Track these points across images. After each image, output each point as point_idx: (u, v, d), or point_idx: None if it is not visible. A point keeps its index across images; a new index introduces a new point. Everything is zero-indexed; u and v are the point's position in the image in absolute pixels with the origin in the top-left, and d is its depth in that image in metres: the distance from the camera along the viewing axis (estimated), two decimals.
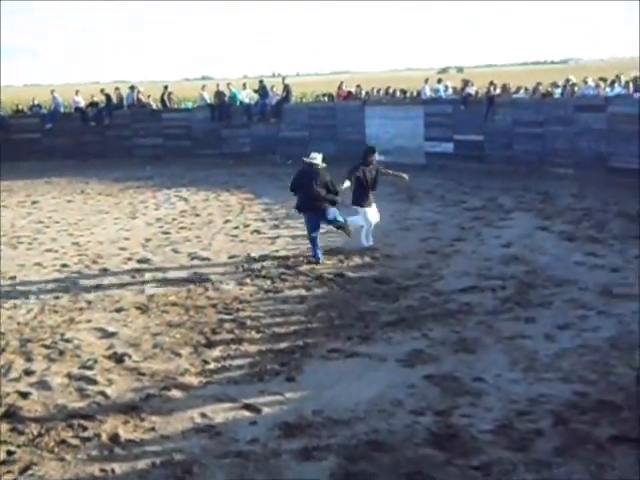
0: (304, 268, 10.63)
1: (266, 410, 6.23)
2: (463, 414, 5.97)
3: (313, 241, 11.07)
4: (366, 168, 11.42)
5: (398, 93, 24.88)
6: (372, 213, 11.55)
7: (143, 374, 7.09)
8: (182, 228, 14.10)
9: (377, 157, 11.85)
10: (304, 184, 11.03)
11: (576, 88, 20.92)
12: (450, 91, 23.24)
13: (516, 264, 10.43)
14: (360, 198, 11.48)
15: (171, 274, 10.67)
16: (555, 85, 21.54)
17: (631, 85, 18.97)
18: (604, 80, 20.25)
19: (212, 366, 7.25)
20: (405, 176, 12.05)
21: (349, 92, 24.95)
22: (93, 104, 26.40)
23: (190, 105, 26.17)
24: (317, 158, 11.09)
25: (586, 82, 20.72)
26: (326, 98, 26.40)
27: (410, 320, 8.29)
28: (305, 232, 12.10)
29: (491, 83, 21.99)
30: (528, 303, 8.73)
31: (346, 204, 11.69)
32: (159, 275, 10.66)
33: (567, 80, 21.42)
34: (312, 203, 10.99)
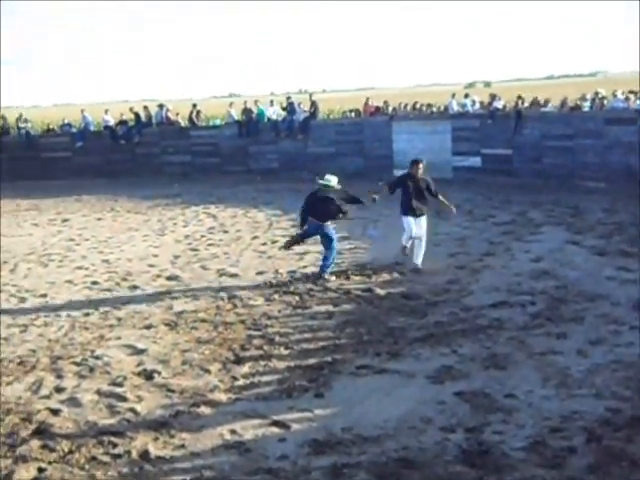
0: (332, 284, 10.61)
1: (295, 427, 6.20)
2: (494, 431, 5.90)
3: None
4: (411, 179, 11.34)
5: (425, 108, 24.88)
6: (414, 224, 11.30)
7: (172, 391, 7.10)
8: (210, 245, 14.16)
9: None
10: (317, 207, 11.00)
11: (605, 101, 20.78)
12: (477, 105, 23.18)
13: (546, 279, 10.33)
14: (403, 207, 11.37)
15: (200, 290, 10.70)
16: (584, 98, 21.41)
17: None
18: (634, 93, 20.08)
19: (241, 382, 7.25)
20: (453, 209, 11.80)
21: (376, 107, 24.98)
22: (122, 122, 26.74)
23: (218, 122, 26.33)
24: (332, 180, 11.07)
25: (615, 95, 20.57)
26: (353, 114, 26.44)
27: (439, 336, 8.23)
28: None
29: (519, 97, 21.91)
30: (559, 318, 8.63)
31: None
32: (188, 292, 10.70)
33: (596, 93, 21.29)
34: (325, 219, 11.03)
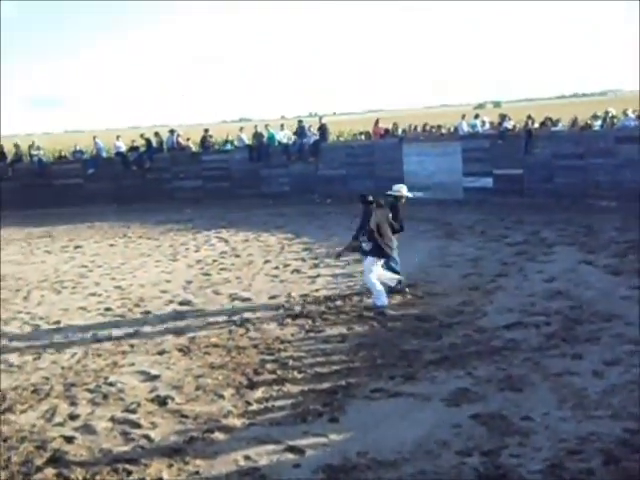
0: (345, 307, 10.57)
1: (310, 452, 6.16)
2: (511, 454, 5.84)
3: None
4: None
5: (435, 129, 24.93)
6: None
7: (186, 417, 7.07)
8: (222, 269, 14.16)
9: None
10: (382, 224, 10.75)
11: (616, 120, 20.77)
12: (487, 126, 23.21)
13: (561, 299, 10.27)
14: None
15: (212, 315, 10.69)
16: (595, 117, 21.41)
17: None
18: None
19: (255, 407, 7.21)
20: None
21: (386, 130, 25.03)
22: (134, 148, 26.88)
23: (229, 147, 26.41)
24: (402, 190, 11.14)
25: (626, 114, 20.55)
26: (363, 136, 26.52)
27: (454, 358, 8.17)
28: (344, 271, 12.15)
29: (529, 117, 21.93)
30: (574, 339, 8.56)
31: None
32: (200, 317, 10.69)
33: (606, 112, 21.28)
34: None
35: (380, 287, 10.49)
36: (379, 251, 10.58)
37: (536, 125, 21.77)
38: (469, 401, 6.99)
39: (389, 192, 11.17)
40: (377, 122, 25.62)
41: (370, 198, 10.86)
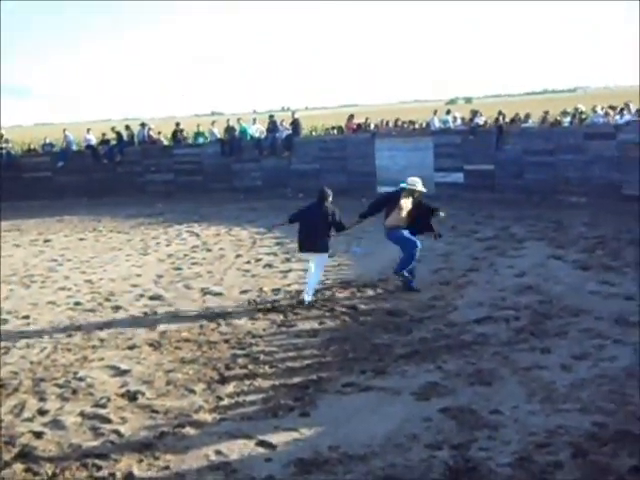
0: (316, 301, 10.57)
1: (281, 446, 6.16)
2: (481, 447, 5.89)
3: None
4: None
5: (407, 125, 25.00)
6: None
7: (157, 412, 7.04)
8: (194, 264, 14.11)
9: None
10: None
11: (584, 116, 20.96)
12: (459, 122, 23.31)
13: (530, 294, 10.36)
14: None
15: (183, 310, 10.65)
16: (564, 114, 21.59)
17: None
18: (613, 108, 20.28)
19: (226, 402, 7.20)
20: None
21: (358, 125, 25.05)
22: (104, 141, 26.67)
23: (202, 141, 26.21)
24: (417, 184, 11.05)
25: (595, 110, 20.75)
26: (335, 131, 26.51)
27: (424, 352, 8.22)
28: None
29: (500, 113, 22.06)
30: (543, 333, 8.64)
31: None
32: (171, 311, 10.64)
33: (576, 109, 21.46)
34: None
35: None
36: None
37: (507, 120, 21.89)
38: (439, 395, 7.03)
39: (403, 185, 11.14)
40: (351, 117, 25.63)
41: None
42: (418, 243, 10.90)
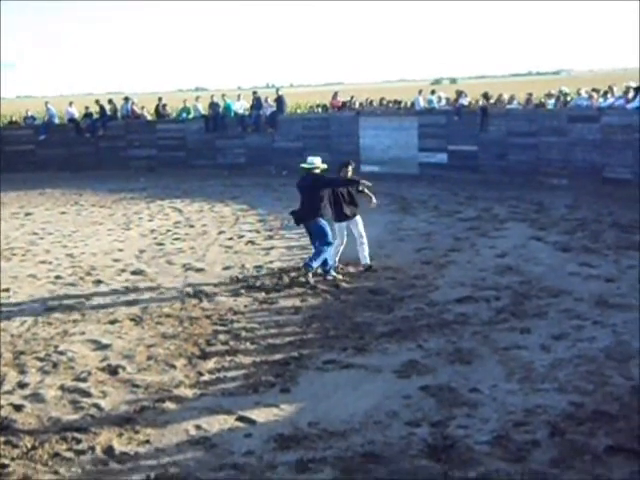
0: (299, 279, 10.58)
1: (261, 422, 6.19)
2: (459, 425, 5.94)
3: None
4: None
5: (392, 104, 24.94)
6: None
7: (137, 386, 7.05)
8: (176, 239, 14.07)
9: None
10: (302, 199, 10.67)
11: (568, 98, 20.99)
12: (444, 102, 23.28)
13: (511, 274, 10.42)
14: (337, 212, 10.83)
15: (165, 285, 10.63)
16: (549, 96, 21.61)
17: (631, 93, 18.76)
18: (597, 91, 20.32)
19: (207, 378, 7.21)
20: None
21: (343, 103, 24.98)
22: (87, 115, 26.42)
23: (185, 115, 26.00)
24: (315, 161, 10.71)
25: (579, 93, 20.78)
26: (320, 109, 26.42)
27: (405, 331, 8.26)
28: (299, 243, 12.17)
29: (485, 95, 22.04)
30: (523, 314, 8.71)
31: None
32: (153, 286, 10.62)
33: (560, 91, 21.48)
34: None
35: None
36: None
37: (491, 101, 21.88)
38: (419, 373, 7.08)
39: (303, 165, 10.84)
40: (335, 95, 25.55)
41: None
42: (331, 242, 10.48)
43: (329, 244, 10.43)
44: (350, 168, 10.86)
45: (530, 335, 7.98)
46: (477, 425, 5.93)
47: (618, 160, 17.28)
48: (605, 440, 5.57)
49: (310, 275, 10.32)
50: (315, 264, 10.37)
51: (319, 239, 10.40)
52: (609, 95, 19.72)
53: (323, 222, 10.44)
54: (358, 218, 10.90)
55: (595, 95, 19.92)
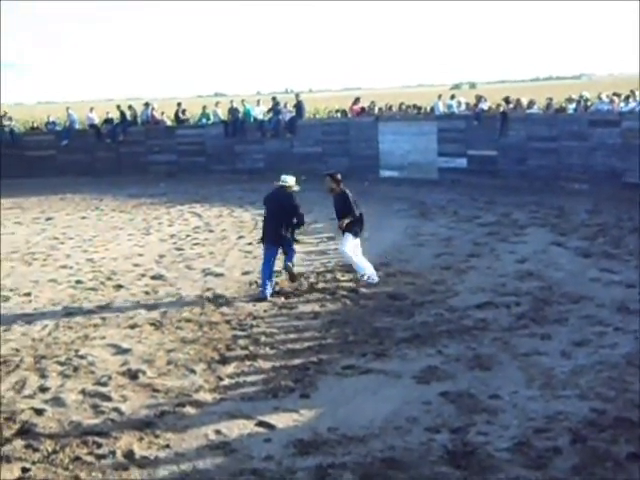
0: (318, 284, 10.59)
1: (280, 427, 6.20)
2: (479, 432, 5.91)
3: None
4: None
5: (411, 109, 24.90)
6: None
7: (157, 390, 7.07)
8: (196, 244, 14.12)
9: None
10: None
11: (589, 103, 20.88)
12: (463, 107, 23.22)
13: (531, 280, 10.36)
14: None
15: (185, 290, 10.67)
16: (569, 100, 21.51)
17: None
18: (618, 95, 20.20)
19: (226, 382, 7.23)
20: None
21: (362, 108, 24.96)
22: (108, 121, 26.59)
23: (204, 121, 26.11)
24: (288, 180, 10.47)
25: (600, 98, 20.66)
26: (339, 114, 26.43)
27: (425, 336, 8.24)
28: (317, 248, 12.16)
29: (506, 99, 21.97)
30: (544, 319, 8.66)
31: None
32: (173, 291, 10.66)
33: (581, 96, 21.38)
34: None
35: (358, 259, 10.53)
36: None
37: (511, 106, 21.80)
38: (439, 379, 7.06)
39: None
40: (357, 100, 25.46)
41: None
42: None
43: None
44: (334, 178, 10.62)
45: (551, 341, 7.94)
46: (497, 432, 5.90)
47: (638, 165, 17.13)
48: (627, 447, 5.53)
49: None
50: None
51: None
52: (630, 99, 19.61)
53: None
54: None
55: (616, 100, 19.80)
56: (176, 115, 26.26)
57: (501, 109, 21.34)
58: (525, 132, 20.04)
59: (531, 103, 21.83)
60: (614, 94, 20.40)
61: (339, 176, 10.66)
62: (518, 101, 21.97)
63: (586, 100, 21.04)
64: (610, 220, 14.32)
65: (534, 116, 20.75)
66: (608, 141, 18.17)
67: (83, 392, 7.10)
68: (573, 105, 21.02)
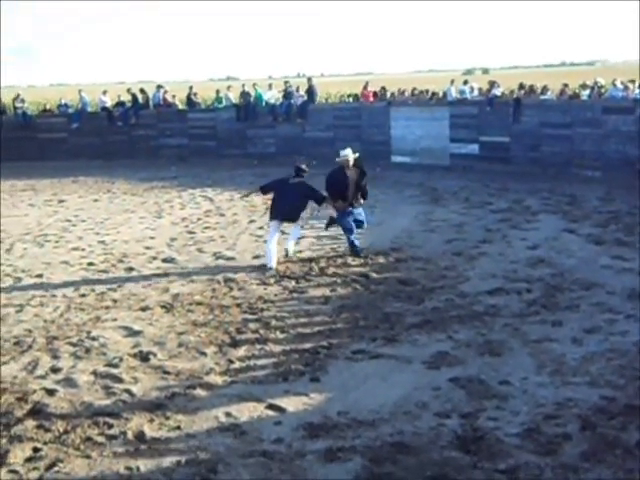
0: (328, 269, 10.60)
1: (291, 410, 6.21)
2: (489, 417, 5.91)
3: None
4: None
5: (423, 94, 24.81)
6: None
7: (168, 373, 7.10)
8: (207, 228, 14.15)
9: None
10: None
11: (603, 90, 20.75)
12: (476, 92, 23.14)
13: (543, 267, 10.34)
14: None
15: (196, 273, 10.70)
16: (583, 87, 21.38)
17: None
18: (632, 82, 20.06)
19: (237, 365, 7.25)
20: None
21: (374, 93, 24.90)
22: (120, 104, 26.62)
23: (217, 104, 26.10)
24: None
25: (615, 84, 20.52)
26: (351, 99, 26.36)
27: (435, 322, 8.24)
28: (329, 233, 12.16)
29: (520, 85, 21.85)
30: (555, 306, 8.64)
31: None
32: (184, 274, 10.69)
33: (595, 82, 21.25)
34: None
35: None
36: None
37: (522, 92, 21.71)
38: (449, 364, 7.06)
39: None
40: (366, 85, 25.47)
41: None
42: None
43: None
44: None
45: (561, 328, 7.92)
46: (507, 417, 5.91)
47: None
48: (636, 434, 5.51)
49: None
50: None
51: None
52: None
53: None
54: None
55: (631, 86, 19.69)
56: (188, 98, 26.26)
57: (514, 95, 21.25)
58: (538, 118, 19.95)
59: (544, 89, 21.72)
60: (629, 81, 20.27)
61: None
62: (531, 87, 21.87)
63: (600, 86, 20.91)
64: (623, 208, 14.26)
65: (547, 102, 20.66)
66: (622, 128, 18.07)
67: (94, 373, 7.14)
68: (587, 91, 20.93)
